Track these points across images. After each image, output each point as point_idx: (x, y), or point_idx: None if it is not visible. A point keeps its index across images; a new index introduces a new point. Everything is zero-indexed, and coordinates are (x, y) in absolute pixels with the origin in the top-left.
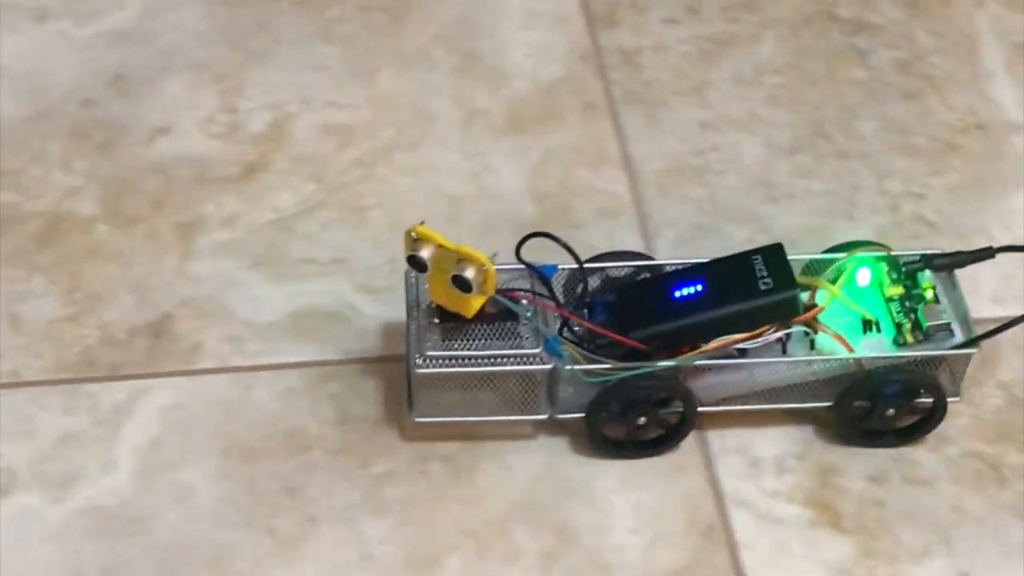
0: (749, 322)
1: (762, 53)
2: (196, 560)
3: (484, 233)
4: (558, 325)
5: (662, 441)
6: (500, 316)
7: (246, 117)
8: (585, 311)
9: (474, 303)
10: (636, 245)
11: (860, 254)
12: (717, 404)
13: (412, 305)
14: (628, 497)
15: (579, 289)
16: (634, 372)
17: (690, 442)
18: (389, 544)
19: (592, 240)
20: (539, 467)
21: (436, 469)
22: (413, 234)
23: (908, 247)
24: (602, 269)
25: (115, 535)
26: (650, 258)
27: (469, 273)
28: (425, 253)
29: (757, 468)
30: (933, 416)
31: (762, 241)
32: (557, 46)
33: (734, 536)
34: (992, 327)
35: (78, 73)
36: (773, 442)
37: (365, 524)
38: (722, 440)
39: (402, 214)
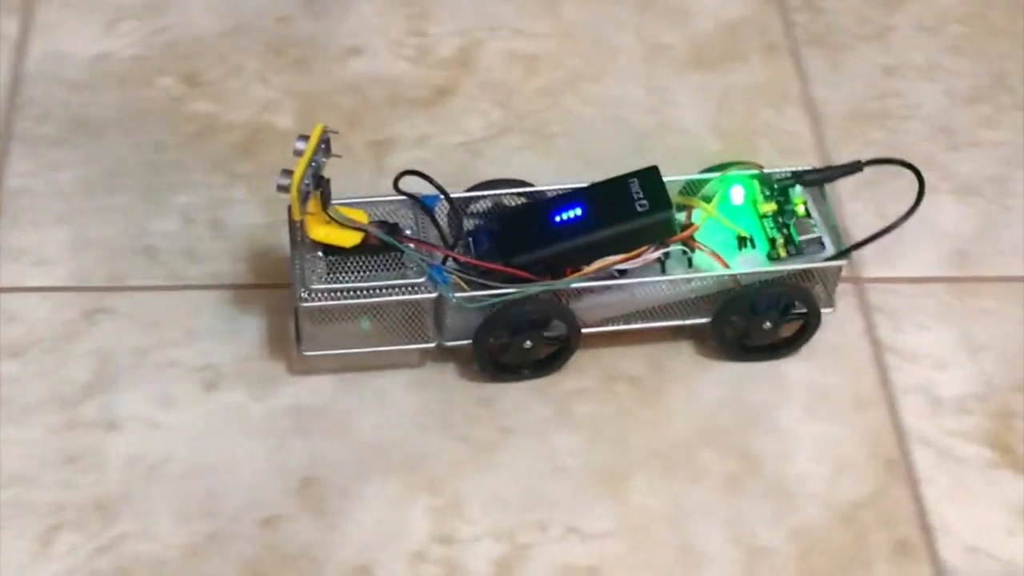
0: (627, 243)
1: (945, 1)
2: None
3: (667, 164)
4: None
5: (549, 362)
6: (384, 247)
7: (435, 42)
8: (470, 240)
9: (337, 234)
10: None
11: (733, 172)
12: (600, 325)
13: (295, 239)
14: (811, 428)
15: (452, 221)
16: (515, 295)
17: (873, 380)
18: (580, 458)
19: None
20: (725, 394)
21: (623, 390)
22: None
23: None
24: (488, 196)
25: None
26: (530, 185)
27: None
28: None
29: (939, 408)
30: (807, 328)
31: (947, 188)
32: None
33: (916, 472)
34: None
35: None
36: (955, 383)
37: (556, 438)
38: (903, 378)
39: (588, 144)
